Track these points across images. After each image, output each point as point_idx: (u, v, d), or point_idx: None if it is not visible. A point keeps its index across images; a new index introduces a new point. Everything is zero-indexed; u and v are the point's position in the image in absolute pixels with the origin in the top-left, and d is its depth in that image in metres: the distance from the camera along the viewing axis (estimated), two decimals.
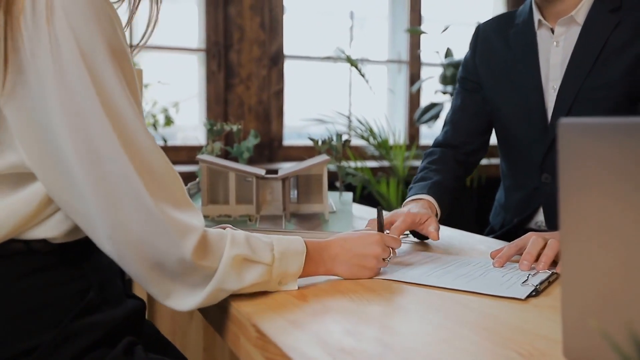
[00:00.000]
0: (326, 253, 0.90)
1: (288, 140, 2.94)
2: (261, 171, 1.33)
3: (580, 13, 1.33)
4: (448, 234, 1.31)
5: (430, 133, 3.29)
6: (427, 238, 1.21)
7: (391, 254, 0.97)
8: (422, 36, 3.20)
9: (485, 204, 1.52)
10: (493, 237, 1.40)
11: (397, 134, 2.90)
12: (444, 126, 1.56)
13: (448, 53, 3.05)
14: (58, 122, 0.70)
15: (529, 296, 0.84)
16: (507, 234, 1.45)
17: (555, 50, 1.37)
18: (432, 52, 3.11)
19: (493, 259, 1.03)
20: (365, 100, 3.10)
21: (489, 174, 2.95)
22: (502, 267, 1.00)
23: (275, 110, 2.86)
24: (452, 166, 1.43)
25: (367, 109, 2.98)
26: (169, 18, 2.67)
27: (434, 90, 3.10)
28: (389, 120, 3.02)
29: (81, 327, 0.77)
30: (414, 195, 1.30)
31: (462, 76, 1.55)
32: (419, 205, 1.22)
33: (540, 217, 1.43)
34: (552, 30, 1.38)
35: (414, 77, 3.23)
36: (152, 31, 0.89)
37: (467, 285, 0.89)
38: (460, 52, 3.08)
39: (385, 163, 2.83)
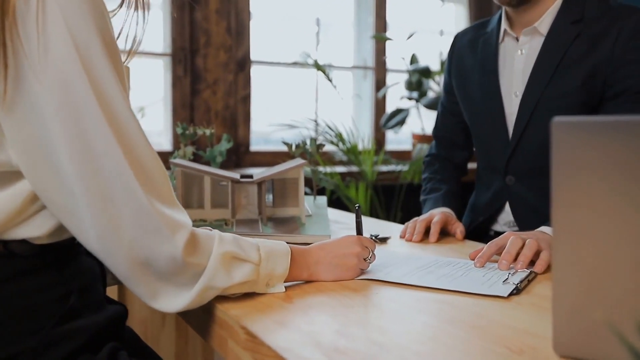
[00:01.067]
0: (309, 258, 0.90)
1: (255, 146, 2.92)
2: (236, 175, 1.32)
3: (544, 24, 1.37)
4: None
5: (396, 138, 3.32)
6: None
7: (371, 254, 0.97)
8: (388, 43, 3.23)
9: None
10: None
11: (366, 139, 2.92)
12: (432, 132, 1.69)
13: (413, 59, 3.08)
14: (51, 116, 0.67)
15: (511, 294, 0.86)
16: (473, 233, 1.49)
17: (519, 58, 1.42)
18: (397, 59, 3.14)
19: (473, 259, 1.05)
20: (332, 106, 3.10)
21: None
22: (482, 266, 1.01)
23: (242, 115, 2.84)
24: (452, 172, 1.62)
25: (333, 115, 2.99)
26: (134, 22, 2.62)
27: (399, 96, 3.13)
28: (356, 125, 3.04)
29: (63, 333, 0.75)
30: (432, 209, 1.44)
31: (444, 87, 1.66)
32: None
33: (509, 218, 1.47)
34: (517, 39, 1.42)
35: (380, 83, 3.25)
36: (137, 47, 0.89)
37: (450, 284, 0.90)
38: (426, 58, 3.12)
39: (354, 168, 2.84)
